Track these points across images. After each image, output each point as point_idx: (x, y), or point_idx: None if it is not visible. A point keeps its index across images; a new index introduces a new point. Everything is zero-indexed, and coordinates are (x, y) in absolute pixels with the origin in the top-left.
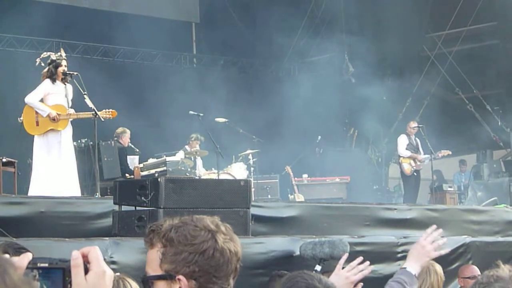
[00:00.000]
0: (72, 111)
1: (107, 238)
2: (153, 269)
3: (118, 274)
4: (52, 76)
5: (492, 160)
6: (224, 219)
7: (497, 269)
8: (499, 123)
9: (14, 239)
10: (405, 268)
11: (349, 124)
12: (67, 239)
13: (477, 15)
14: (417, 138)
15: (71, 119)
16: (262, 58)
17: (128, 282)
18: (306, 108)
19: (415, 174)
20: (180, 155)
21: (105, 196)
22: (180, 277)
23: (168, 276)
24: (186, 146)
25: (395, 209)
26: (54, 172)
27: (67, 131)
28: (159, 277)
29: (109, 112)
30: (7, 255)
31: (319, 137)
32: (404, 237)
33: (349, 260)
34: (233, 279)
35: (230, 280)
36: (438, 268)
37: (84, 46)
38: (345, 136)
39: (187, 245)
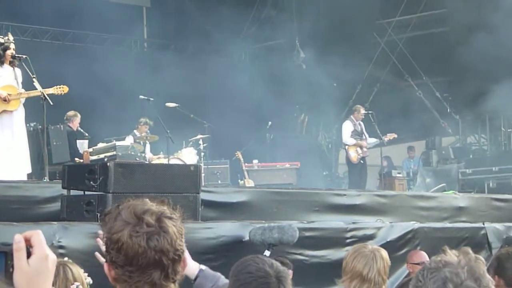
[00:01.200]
0: (22, 91)
1: (55, 223)
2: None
3: (66, 259)
4: (0, 59)
5: (441, 146)
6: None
7: (445, 254)
8: (448, 110)
9: None
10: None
11: (299, 110)
12: (15, 223)
13: (426, 3)
14: (361, 123)
15: (22, 100)
16: (214, 43)
17: (70, 268)
18: (257, 93)
19: (361, 161)
20: (129, 140)
21: (54, 181)
22: (105, 264)
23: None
24: (135, 131)
25: (345, 194)
26: (7, 153)
27: (19, 112)
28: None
29: (60, 88)
30: None
31: (270, 122)
32: (353, 223)
33: (299, 245)
34: (160, 271)
35: (152, 273)
36: (384, 253)
37: (33, 29)
38: (296, 122)
39: (108, 233)
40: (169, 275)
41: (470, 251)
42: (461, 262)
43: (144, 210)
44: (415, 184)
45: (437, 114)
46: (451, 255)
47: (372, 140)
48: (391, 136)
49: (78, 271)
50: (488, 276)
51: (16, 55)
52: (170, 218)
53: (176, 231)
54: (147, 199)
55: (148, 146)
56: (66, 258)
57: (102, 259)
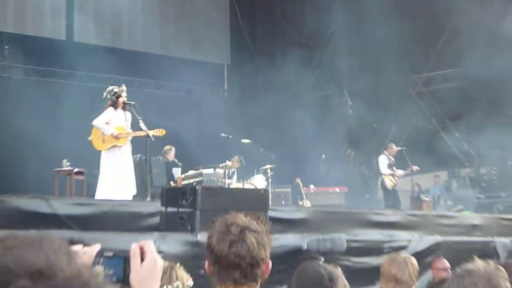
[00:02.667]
0: (130, 131)
1: (155, 233)
2: None
3: (178, 264)
4: (114, 105)
5: (460, 176)
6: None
7: (471, 263)
8: (466, 147)
9: (82, 232)
10: None
11: (347, 145)
12: (124, 233)
13: (449, 62)
14: (392, 157)
15: (129, 138)
16: (280, 92)
17: (175, 270)
18: (314, 133)
19: (394, 188)
20: (218, 169)
21: (154, 200)
22: (207, 261)
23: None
24: (228, 162)
25: (382, 213)
26: (116, 179)
27: (127, 147)
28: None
29: (159, 130)
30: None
31: (323, 156)
32: (389, 236)
33: (347, 253)
34: (239, 271)
35: (233, 272)
36: (414, 260)
37: (139, 82)
38: (344, 155)
39: (207, 238)
40: (248, 276)
41: (491, 262)
42: (482, 272)
43: (232, 223)
44: (439, 206)
45: (456, 151)
46: (477, 264)
47: (402, 172)
48: (415, 167)
49: (182, 274)
50: (507, 285)
51: (127, 102)
52: (254, 231)
53: (256, 241)
54: (241, 214)
55: (235, 174)
56: (178, 264)
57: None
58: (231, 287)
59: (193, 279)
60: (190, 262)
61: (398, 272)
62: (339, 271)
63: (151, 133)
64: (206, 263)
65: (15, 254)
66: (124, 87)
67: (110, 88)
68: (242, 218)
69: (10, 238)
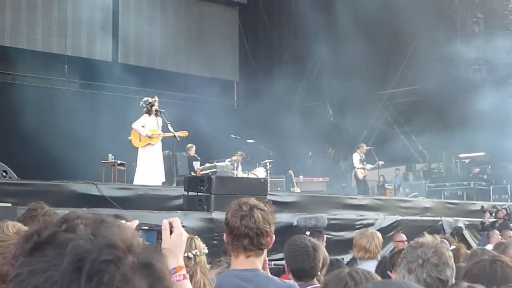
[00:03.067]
0: (161, 132)
1: (179, 211)
2: None
3: (196, 236)
4: (148, 112)
5: (415, 169)
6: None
7: (423, 237)
8: (419, 147)
9: (123, 210)
10: None
11: (328, 145)
12: (155, 211)
13: (408, 81)
14: (363, 154)
15: (160, 138)
16: (276, 103)
17: (194, 241)
18: (303, 135)
19: (365, 178)
20: (227, 161)
21: (179, 186)
22: (225, 234)
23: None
24: (234, 157)
25: (355, 198)
26: (149, 170)
27: (158, 145)
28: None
29: (183, 132)
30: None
31: (310, 153)
32: (360, 215)
33: (328, 228)
34: (248, 240)
35: (243, 240)
36: (379, 234)
37: (168, 94)
38: (326, 153)
39: (226, 213)
40: (255, 244)
41: (438, 237)
42: (430, 244)
43: (244, 202)
44: (399, 192)
45: (412, 149)
46: (426, 238)
47: (370, 166)
48: (380, 162)
49: (200, 244)
50: (448, 254)
51: (158, 110)
52: (261, 209)
53: (262, 217)
54: (253, 198)
55: (240, 166)
56: (196, 236)
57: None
58: (242, 253)
59: (207, 248)
60: (206, 234)
61: (367, 244)
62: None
63: (177, 134)
64: (224, 235)
65: (109, 233)
66: (156, 98)
67: (145, 99)
68: (252, 200)
69: (98, 219)
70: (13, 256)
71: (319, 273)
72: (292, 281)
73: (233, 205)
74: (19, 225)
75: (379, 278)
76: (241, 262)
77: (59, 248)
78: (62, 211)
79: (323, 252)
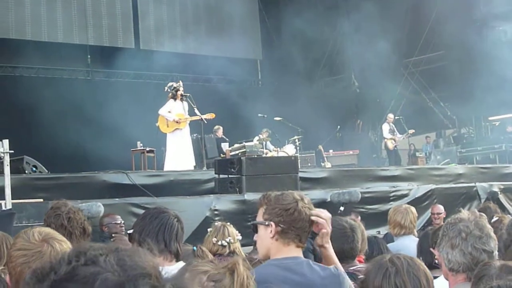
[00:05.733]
0: (188, 116)
1: (212, 195)
2: (258, 219)
3: (228, 223)
4: (174, 97)
5: (445, 136)
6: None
7: (460, 213)
8: (448, 113)
9: (156, 198)
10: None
11: (356, 117)
12: (188, 196)
13: (432, 47)
14: (393, 124)
15: (188, 122)
16: (301, 79)
17: (227, 228)
18: (330, 108)
19: (395, 148)
20: (255, 140)
21: (209, 169)
22: (272, 223)
23: (265, 223)
24: (260, 135)
25: (388, 169)
26: (179, 155)
27: (186, 129)
28: (260, 223)
29: (209, 114)
30: None
31: (338, 126)
32: (394, 187)
33: (362, 202)
34: (307, 235)
35: (304, 234)
36: (413, 209)
37: (192, 77)
38: (355, 125)
39: (279, 204)
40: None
41: (476, 211)
42: (469, 218)
43: (298, 194)
44: (430, 160)
45: (441, 116)
46: (464, 214)
47: (400, 135)
48: (411, 131)
49: (232, 230)
50: (488, 226)
51: (183, 94)
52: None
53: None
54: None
55: (269, 144)
56: (228, 223)
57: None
58: (292, 244)
59: (241, 230)
60: (239, 216)
61: (401, 220)
62: (358, 220)
63: (204, 117)
64: (273, 225)
65: (136, 261)
66: (180, 83)
67: (170, 84)
68: (294, 193)
69: (112, 248)
70: None
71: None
72: (333, 268)
73: (292, 196)
74: (47, 230)
75: (422, 264)
76: (285, 252)
77: (84, 285)
78: (90, 203)
79: (361, 232)
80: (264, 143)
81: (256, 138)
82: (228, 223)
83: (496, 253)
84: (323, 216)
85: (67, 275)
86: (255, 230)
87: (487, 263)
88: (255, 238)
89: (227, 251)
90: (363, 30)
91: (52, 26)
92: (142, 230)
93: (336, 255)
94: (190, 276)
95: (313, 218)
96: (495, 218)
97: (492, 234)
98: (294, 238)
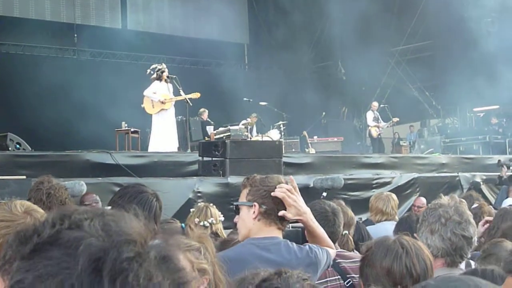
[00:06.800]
0: (173, 97)
1: (195, 177)
2: (241, 200)
3: (211, 204)
4: (159, 78)
5: (429, 125)
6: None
7: (440, 199)
8: (433, 103)
9: (139, 178)
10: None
11: (341, 104)
12: (171, 178)
13: (418, 37)
14: (377, 112)
15: (173, 102)
16: (287, 64)
17: (210, 209)
18: (315, 95)
19: (379, 136)
20: (240, 125)
21: (193, 151)
22: (256, 204)
23: (248, 204)
24: (248, 118)
25: (371, 157)
26: (164, 136)
27: (171, 110)
28: (244, 204)
29: (194, 94)
30: None
31: (324, 113)
32: (377, 174)
33: (344, 189)
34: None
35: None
36: (394, 196)
37: (179, 59)
38: (339, 112)
39: (264, 186)
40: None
41: (456, 197)
42: (449, 204)
43: (284, 179)
44: (414, 149)
45: (426, 106)
46: (444, 199)
47: (384, 123)
48: (395, 119)
49: (215, 212)
50: (468, 212)
51: (169, 75)
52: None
53: None
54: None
55: (254, 128)
56: (211, 204)
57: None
58: (274, 225)
59: (223, 212)
60: (222, 199)
61: (383, 207)
62: (341, 204)
63: (188, 96)
64: (257, 206)
65: (122, 227)
66: (164, 65)
67: (153, 66)
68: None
69: (97, 212)
70: (6, 260)
71: (347, 232)
72: (308, 248)
73: (271, 179)
74: (28, 203)
75: (426, 247)
76: (266, 232)
77: (68, 249)
78: (73, 182)
79: (342, 216)
80: (249, 127)
81: (243, 121)
82: (211, 204)
83: (475, 238)
84: (284, 188)
85: (51, 238)
86: (237, 211)
87: (499, 241)
88: (235, 219)
89: (209, 231)
90: (351, 18)
91: (40, 3)
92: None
93: None
94: (175, 244)
95: (272, 194)
96: (475, 205)
97: (472, 220)
98: (276, 220)
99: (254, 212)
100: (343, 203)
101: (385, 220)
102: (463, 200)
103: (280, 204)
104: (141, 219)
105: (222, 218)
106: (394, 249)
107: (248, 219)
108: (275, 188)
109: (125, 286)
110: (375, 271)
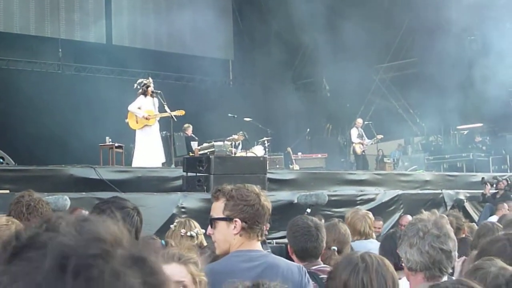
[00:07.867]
0: (157, 113)
1: (179, 193)
2: (217, 214)
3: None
4: (144, 93)
5: (414, 142)
6: (250, 181)
7: (421, 214)
8: (417, 120)
9: (123, 193)
10: None
11: (326, 121)
12: (155, 193)
13: (403, 54)
14: (361, 129)
15: (157, 118)
16: (272, 80)
17: (192, 222)
18: (299, 112)
19: (363, 153)
20: (225, 142)
21: (178, 167)
22: (237, 219)
23: (228, 219)
24: (235, 135)
25: (355, 173)
26: (148, 151)
27: (156, 126)
28: (223, 219)
29: (179, 111)
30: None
31: (308, 129)
32: (361, 191)
33: (328, 205)
34: (267, 223)
35: (266, 224)
36: (370, 215)
37: (163, 75)
38: (324, 128)
39: (243, 201)
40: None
41: (437, 212)
42: (429, 218)
43: (256, 187)
44: (398, 166)
45: (411, 123)
46: (425, 214)
47: (369, 140)
48: (379, 136)
49: (195, 225)
50: (448, 226)
51: (154, 91)
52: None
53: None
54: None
55: (240, 145)
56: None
57: None
58: (255, 238)
59: (206, 228)
60: (206, 215)
61: (360, 227)
62: (322, 222)
63: (173, 113)
64: (239, 222)
65: (95, 227)
66: (150, 79)
67: (139, 80)
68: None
69: (81, 218)
70: None
71: (335, 248)
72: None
73: (250, 189)
74: (4, 219)
75: (391, 266)
76: (248, 245)
77: (42, 249)
78: (56, 196)
79: (325, 232)
80: (234, 143)
81: (228, 138)
82: (192, 220)
83: (455, 253)
84: None
85: (28, 241)
86: (212, 225)
87: (499, 239)
88: (209, 232)
89: (195, 241)
90: (337, 34)
91: (24, 18)
92: None
93: (299, 254)
94: (150, 247)
95: None
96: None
97: (452, 234)
98: (258, 232)
99: (235, 227)
100: (337, 221)
101: (361, 239)
102: (444, 216)
103: (260, 216)
104: (120, 223)
105: (203, 231)
106: (354, 263)
107: (228, 234)
108: (255, 201)
109: (89, 282)
110: (335, 284)
